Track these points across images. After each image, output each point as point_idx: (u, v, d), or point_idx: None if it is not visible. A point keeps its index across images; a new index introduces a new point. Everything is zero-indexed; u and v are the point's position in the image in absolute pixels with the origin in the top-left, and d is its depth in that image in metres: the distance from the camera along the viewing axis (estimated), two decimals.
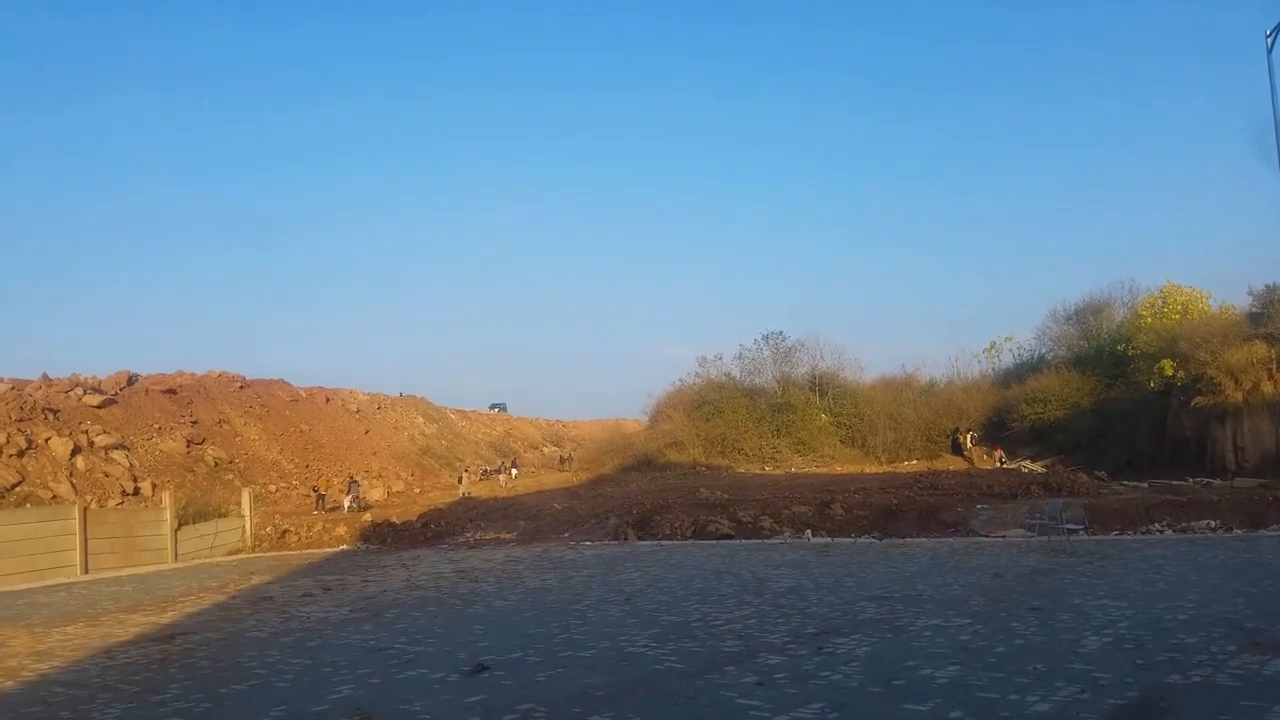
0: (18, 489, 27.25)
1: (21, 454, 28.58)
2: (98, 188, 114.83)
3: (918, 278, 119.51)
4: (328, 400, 49.74)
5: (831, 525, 22.94)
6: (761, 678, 8.67)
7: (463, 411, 66.22)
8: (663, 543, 22.29)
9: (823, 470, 41.49)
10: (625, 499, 29.31)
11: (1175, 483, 27.67)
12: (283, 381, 48.21)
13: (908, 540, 20.65)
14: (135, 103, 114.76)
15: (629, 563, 18.50)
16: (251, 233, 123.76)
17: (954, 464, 40.51)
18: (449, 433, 58.70)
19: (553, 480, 44.11)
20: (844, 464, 43.46)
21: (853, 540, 21.09)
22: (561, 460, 59.32)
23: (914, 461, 42.88)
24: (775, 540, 21.72)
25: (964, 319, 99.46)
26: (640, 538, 23.17)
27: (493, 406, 76.14)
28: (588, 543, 22.97)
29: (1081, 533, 19.57)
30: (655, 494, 30.13)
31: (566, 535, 24.50)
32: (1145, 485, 27.75)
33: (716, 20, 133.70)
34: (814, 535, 21.98)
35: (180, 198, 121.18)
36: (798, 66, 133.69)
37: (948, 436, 44.52)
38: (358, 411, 51.27)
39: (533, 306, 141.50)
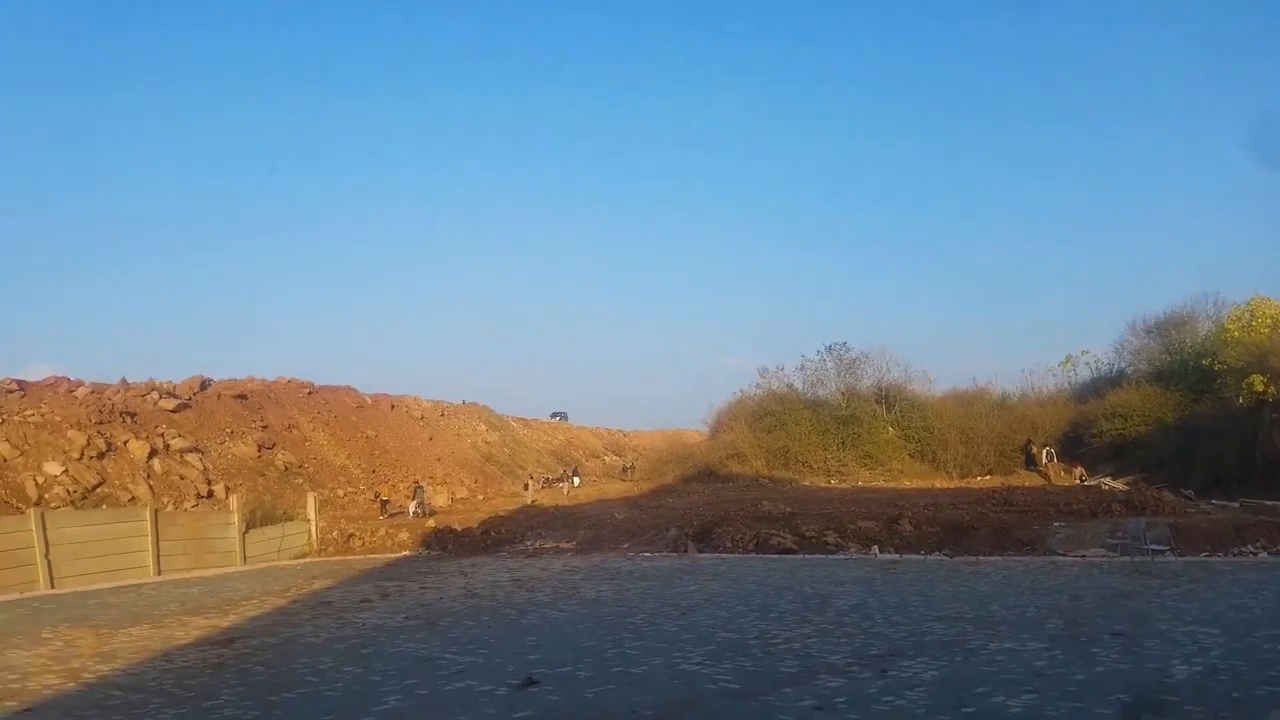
0: (98, 490, 28.05)
1: (101, 456, 29.44)
2: (154, 191, 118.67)
3: (988, 290, 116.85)
4: (393, 407, 50.40)
5: (899, 541, 22.24)
6: (820, 701, 8.28)
7: (524, 420, 66.64)
8: (723, 556, 21.88)
9: (890, 484, 40.56)
10: (686, 510, 28.94)
11: (1269, 503, 26.22)
12: (349, 388, 49.02)
13: (980, 559, 19.90)
14: (176, 98, 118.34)
15: (687, 576, 18.17)
16: (311, 239, 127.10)
17: (1029, 480, 39.17)
18: (511, 440, 59.07)
19: (614, 489, 43.91)
20: (913, 478, 42.42)
21: (922, 557, 20.40)
22: (624, 469, 59.22)
23: (987, 477, 41.61)
24: (840, 556, 21.14)
25: (1038, 332, 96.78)
26: (700, 550, 22.78)
27: (553, 415, 76.48)
28: (646, 554, 22.68)
29: (1167, 553, 18.59)
30: (716, 505, 29.69)
31: (625, 546, 24.25)
32: (1236, 505, 26.36)
33: (765, 34, 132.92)
34: (880, 551, 21.32)
35: (237, 201, 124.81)
36: (861, 72, 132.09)
37: (1021, 451, 43.12)
38: (422, 418, 51.86)
39: (593, 316, 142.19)
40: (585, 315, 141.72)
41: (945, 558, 20.23)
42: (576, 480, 47.08)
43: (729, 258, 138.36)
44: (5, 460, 26.76)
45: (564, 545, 25.17)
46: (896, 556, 20.64)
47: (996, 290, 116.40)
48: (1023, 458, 42.88)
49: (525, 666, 10.13)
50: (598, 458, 68.11)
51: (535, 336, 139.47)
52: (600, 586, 17.00)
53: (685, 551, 22.62)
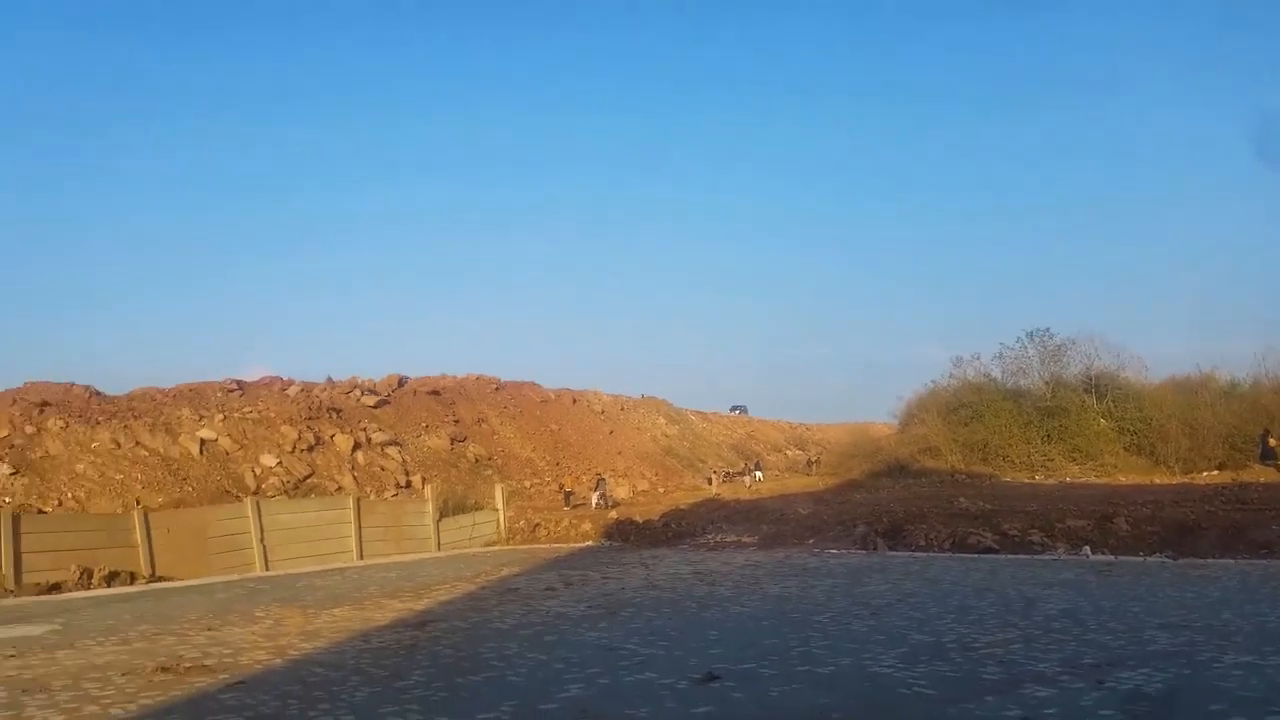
0: (308, 480, 30.20)
1: (311, 449, 31.67)
2: (350, 200, 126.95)
3: (1212, 268, 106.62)
4: (574, 401, 51.42)
5: (1114, 542, 20.37)
6: (1028, 712, 7.47)
7: (703, 414, 66.35)
8: (916, 554, 20.78)
9: (1103, 480, 37.48)
10: (875, 506, 27.81)
11: None
12: (533, 383, 50.47)
13: (1208, 561, 17.89)
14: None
15: (877, 574, 17.34)
16: (496, 241, 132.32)
17: (1264, 475, 35.14)
18: (690, 434, 58.98)
19: (797, 484, 42.97)
20: (1128, 474, 38.97)
21: (1140, 559, 18.57)
22: (808, 464, 58.04)
23: (1214, 472, 37.57)
24: (1047, 557, 19.56)
25: (1269, 312, 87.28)
26: (891, 548, 21.77)
27: (733, 409, 75.92)
28: (833, 550, 21.89)
29: None
30: (908, 501, 28.34)
31: (810, 541, 23.53)
32: None
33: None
34: (1093, 552, 19.59)
35: (423, 206, 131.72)
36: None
37: (1256, 443, 38.73)
38: (602, 412, 52.64)
39: (775, 309, 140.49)
40: (763, 308, 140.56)
41: (1168, 560, 18.32)
42: (759, 474, 46.47)
43: (919, 245, 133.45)
44: (228, 453, 29.30)
45: (746, 540, 24.73)
46: (1111, 558, 18.89)
47: (1216, 271, 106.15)
48: (1258, 451, 38.54)
49: (707, 661, 9.83)
50: (780, 452, 67.02)
51: (713, 330, 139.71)
52: (784, 583, 16.47)
53: (875, 549, 21.67)
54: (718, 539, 25.21)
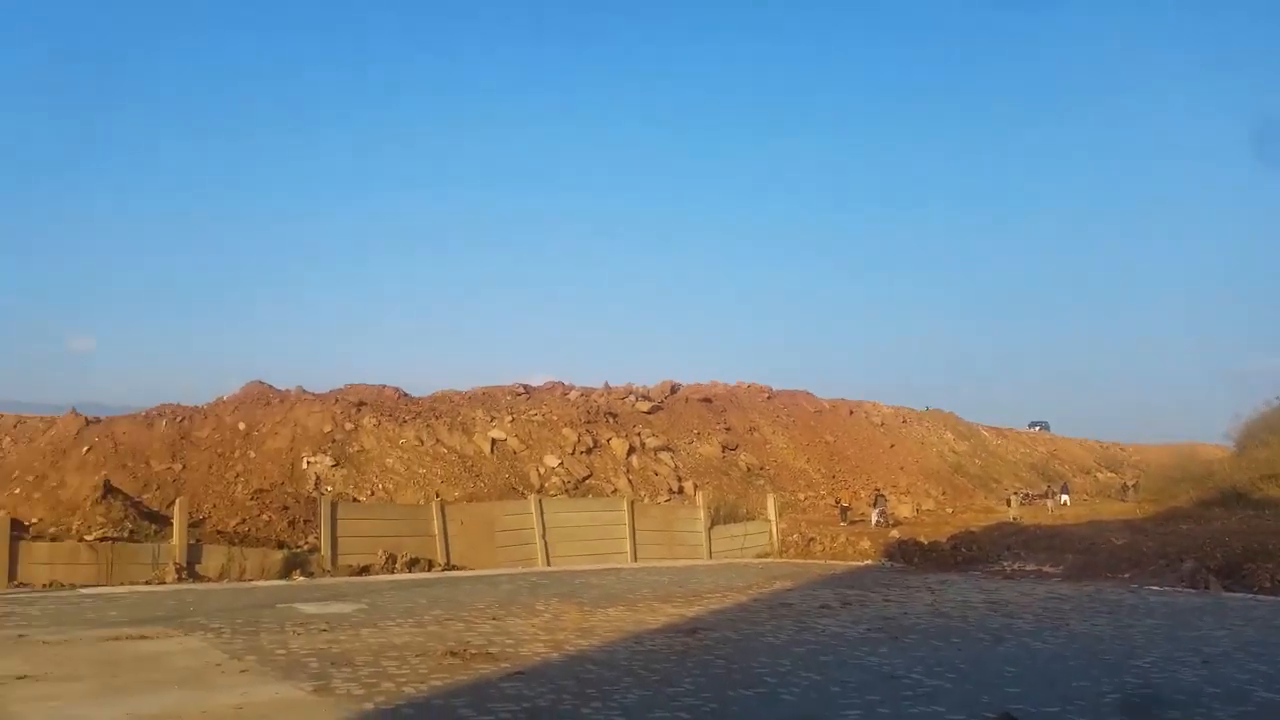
0: (586, 481, 31.36)
1: (589, 451, 32.90)
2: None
3: None
4: (850, 413, 49.59)
5: None
6: None
7: (997, 429, 61.61)
8: (1259, 597, 17.84)
9: None
10: (1206, 539, 24.22)
11: None
12: (807, 393, 49.24)
13: None
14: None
15: (1209, 617, 15.03)
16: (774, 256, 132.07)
17: None
18: (982, 451, 54.91)
19: (1109, 510, 38.76)
20: None
21: None
22: (1123, 488, 52.28)
23: None
24: None
25: None
26: (1226, 588, 18.81)
27: (1032, 425, 70.27)
28: (1153, 587, 19.29)
29: None
30: (1247, 535, 24.39)
31: (1126, 575, 20.92)
32: None
33: None
34: None
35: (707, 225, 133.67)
36: None
37: None
38: (881, 425, 50.34)
39: (1080, 316, 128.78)
40: (1064, 315, 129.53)
41: None
42: (1064, 498, 42.49)
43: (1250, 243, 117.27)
44: (515, 452, 31.16)
45: (1048, 569, 22.52)
46: None
47: None
48: None
49: (1002, 699, 8.81)
50: (1088, 474, 60.59)
51: (1010, 338, 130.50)
52: (1094, 619, 14.66)
53: (1206, 588, 18.81)
54: (1015, 566, 23.22)
